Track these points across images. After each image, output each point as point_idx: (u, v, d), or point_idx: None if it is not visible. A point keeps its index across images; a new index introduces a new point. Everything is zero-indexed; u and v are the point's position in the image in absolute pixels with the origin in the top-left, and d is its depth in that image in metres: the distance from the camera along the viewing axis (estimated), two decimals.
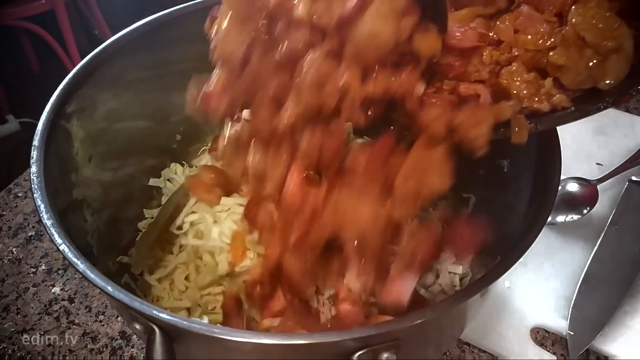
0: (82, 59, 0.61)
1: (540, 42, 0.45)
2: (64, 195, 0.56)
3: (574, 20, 0.42)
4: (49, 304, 0.75)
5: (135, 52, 0.67)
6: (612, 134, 0.99)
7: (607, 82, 0.43)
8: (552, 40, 0.44)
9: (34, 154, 0.50)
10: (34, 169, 0.49)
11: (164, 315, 0.39)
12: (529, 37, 0.45)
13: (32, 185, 0.48)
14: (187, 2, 0.70)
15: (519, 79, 0.46)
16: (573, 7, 0.43)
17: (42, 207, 0.45)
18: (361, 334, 0.38)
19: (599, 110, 0.43)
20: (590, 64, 0.42)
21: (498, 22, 0.47)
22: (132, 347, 0.70)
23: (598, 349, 0.69)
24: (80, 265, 0.42)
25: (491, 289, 0.56)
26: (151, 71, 0.71)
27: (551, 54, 0.44)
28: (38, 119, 0.54)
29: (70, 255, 0.42)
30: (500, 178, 0.66)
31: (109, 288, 0.40)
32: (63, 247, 0.43)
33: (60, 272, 0.79)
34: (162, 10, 0.69)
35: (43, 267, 0.80)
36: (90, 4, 2.48)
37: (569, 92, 0.45)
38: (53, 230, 0.44)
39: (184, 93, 0.78)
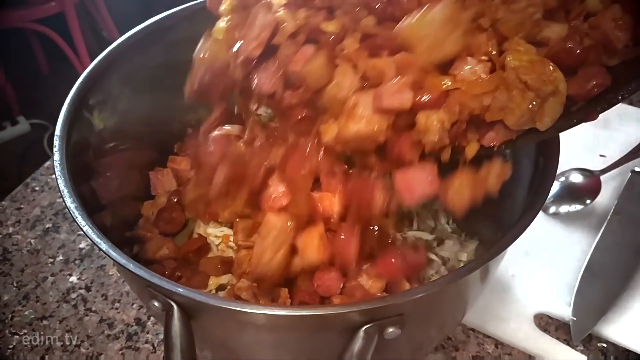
0: (92, 60, 0.63)
1: (476, 81, 0.46)
2: (84, 183, 0.58)
3: (512, 64, 0.44)
4: (66, 292, 0.78)
5: (150, 48, 0.69)
6: (615, 126, 1.01)
7: (545, 122, 0.46)
8: (488, 80, 0.46)
9: (57, 142, 0.53)
10: (56, 157, 0.52)
11: (181, 290, 0.41)
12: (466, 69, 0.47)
13: (55, 172, 0.50)
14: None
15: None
16: (507, 55, 0.45)
17: (65, 191, 0.48)
18: (367, 306, 0.40)
19: (569, 127, 0.46)
20: (531, 106, 0.45)
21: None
22: (147, 333, 0.73)
23: (600, 334, 0.71)
24: (103, 244, 0.44)
25: (492, 274, 0.58)
26: (166, 67, 0.73)
27: (496, 94, 0.46)
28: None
29: (93, 235, 0.44)
30: None
31: (131, 265, 0.43)
32: (87, 228, 0.45)
33: (77, 262, 0.82)
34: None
35: (60, 257, 0.83)
36: (98, 6, 2.52)
37: (512, 132, 0.48)
38: (77, 213, 0.46)
39: None
